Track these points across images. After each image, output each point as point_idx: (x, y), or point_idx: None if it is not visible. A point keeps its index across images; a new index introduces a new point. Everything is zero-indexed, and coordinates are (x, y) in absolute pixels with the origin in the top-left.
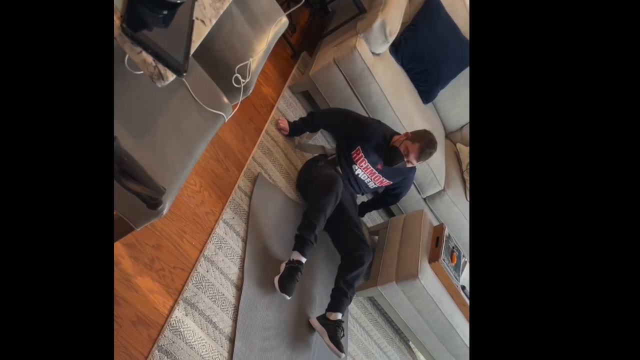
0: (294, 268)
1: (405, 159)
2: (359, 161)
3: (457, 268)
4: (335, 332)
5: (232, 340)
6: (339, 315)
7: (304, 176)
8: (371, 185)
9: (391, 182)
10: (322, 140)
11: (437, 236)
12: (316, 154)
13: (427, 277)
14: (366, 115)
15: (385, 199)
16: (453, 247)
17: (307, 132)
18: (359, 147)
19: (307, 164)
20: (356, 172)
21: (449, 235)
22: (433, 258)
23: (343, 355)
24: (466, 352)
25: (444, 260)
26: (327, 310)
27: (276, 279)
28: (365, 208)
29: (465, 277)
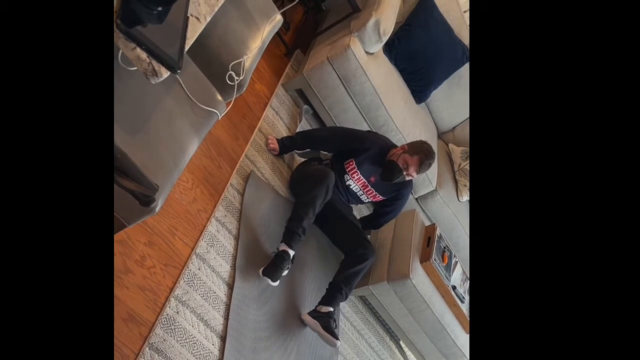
0: (279, 257)
1: (405, 173)
2: (351, 172)
3: (448, 268)
4: (327, 322)
5: (223, 338)
6: (330, 309)
7: (296, 175)
8: (364, 198)
9: (384, 198)
10: None
11: (429, 236)
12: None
13: (418, 277)
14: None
15: (375, 221)
16: (444, 247)
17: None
18: (352, 159)
19: (300, 164)
20: (347, 183)
21: (441, 235)
22: (424, 258)
23: (338, 342)
24: (456, 351)
25: (435, 260)
26: (319, 304)
27: (261, 269)
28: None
29: (456, 277)
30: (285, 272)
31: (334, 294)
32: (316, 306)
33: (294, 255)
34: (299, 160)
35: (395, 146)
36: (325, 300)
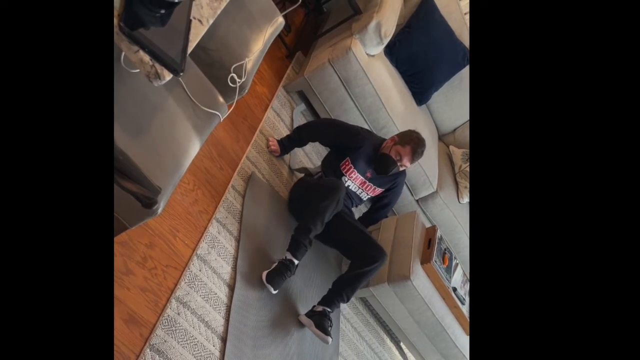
0: (284, 265)
1: (399, 164)
2: (348, 172)
3: (449, 270)
4: (320, 320)
5: (224, 340)
6: (327, 308)
7: (299, 192)
8: (363, 196)
9: (382, 190)
10: (309, 164)
11: (430, 238)
12: (301, 175)
13: (419, 279)
14: (353, 121)
15: (374, 216)
16: (445, 249)
17: (296, 149)
18: (347, 158)
19: (297, 184)
20: (346, 184)
21: (441, 237)
22: (425, 259)
23: (330, 339)
24: (456, 353)
25: (435, 261)
26: (317, 303)
27: (265, 272)
28: None
29: (456, 279)
30: (286, 281)
31: (333, 296)
32: (313, 306)
33: (297, 264)
34: (292, 165)
35: (384, 139)
36: (323, 301)
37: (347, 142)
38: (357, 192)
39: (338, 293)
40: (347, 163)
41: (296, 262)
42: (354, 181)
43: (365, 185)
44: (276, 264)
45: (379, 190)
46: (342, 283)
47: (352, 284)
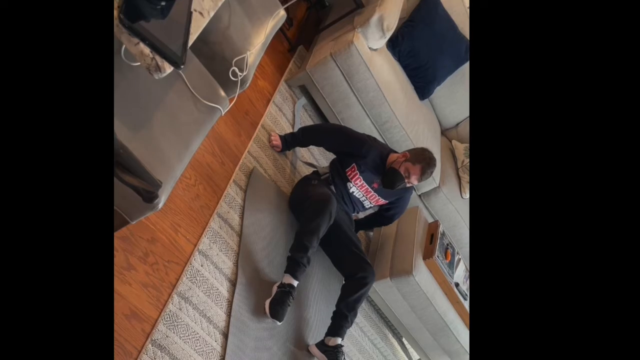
0: (285, 292)
1: (406, 181)
2: (353, 179)
3: (451, 265)
4: (336, 357)
5: (225, 335)
6: (339, 340)
7: (297, 194)
8: (366, 204)
9: (387, 202)
10: (312, 159)
11: (432, 233)
12: (308, 172)
13: (421, 274)
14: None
15: (378, 219)
16: (447, 244)
17: (298, 148)
18: (354, 164)
19: (300, 182)
20: (351, 190)
21: (444, 232)
22: (427, 255)
23: None
24: (459, 349)
25: (438, 257)
26: (327, 335)
27: (267, 303)
28: (358, 228)
29: (459, 274)
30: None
31: (340, 324)
32: (324, 338)
33: (297, 285)
34: (301, 158)
35: (393, 151)
36: (332, 331)
37: (353, 151)
38: (361, 200)
39: (344, 319)
40: (353, 169)
41: (296, 283)
42: (359, 188)
43: (370, 194)
44: (276, 292)
45: (382, 201)
46: (343, 310)
47: (353, 308)
